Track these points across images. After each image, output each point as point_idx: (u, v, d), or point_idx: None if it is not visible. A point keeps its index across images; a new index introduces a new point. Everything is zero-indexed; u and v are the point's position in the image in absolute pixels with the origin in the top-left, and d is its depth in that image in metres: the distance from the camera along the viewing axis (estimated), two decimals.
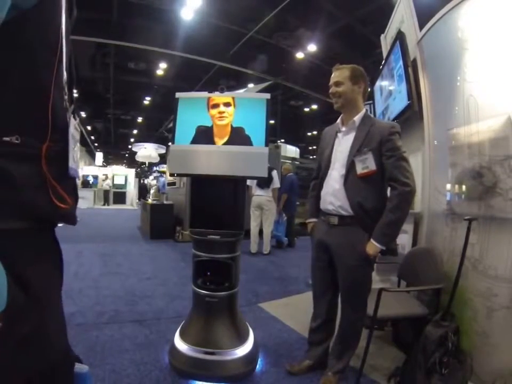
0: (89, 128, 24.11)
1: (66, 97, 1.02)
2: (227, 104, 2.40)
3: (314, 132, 22.12)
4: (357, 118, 2.10)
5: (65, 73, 1.00)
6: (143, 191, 18.70)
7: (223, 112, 2.37)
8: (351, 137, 2.12)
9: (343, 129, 2.17)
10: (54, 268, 0.96)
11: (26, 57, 0.80)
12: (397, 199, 1.93)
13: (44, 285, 0.86)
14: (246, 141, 2.30)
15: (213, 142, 2.34)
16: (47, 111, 0.84)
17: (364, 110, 2.14)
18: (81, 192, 18.57)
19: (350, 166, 2.05)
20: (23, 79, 0.79)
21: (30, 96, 0.81)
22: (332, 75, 2.14)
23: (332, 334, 2.35)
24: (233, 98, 2.41)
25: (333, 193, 2.12)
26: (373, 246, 1.96)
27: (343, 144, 2.15)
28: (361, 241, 2.01)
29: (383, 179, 2.02)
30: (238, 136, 2.32)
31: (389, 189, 2.05)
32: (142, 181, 23.88)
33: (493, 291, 1.96)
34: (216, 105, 2.40)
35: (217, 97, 2.42)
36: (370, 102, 4.42)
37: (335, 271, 2.17)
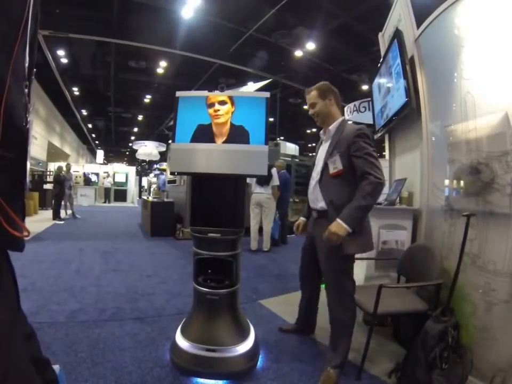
0: (90, 126, 24.18)
1: (27, 90, 0.79)
2: (222, 103, 2.40)
3: (314, 130, 22.08)
4: (332, 127, 2.37)
5: (27, 59, 0.77)
6: None
7: (218, 110, 2.39)
8: (328, 143, 2.37)
9: (323, 137, 2.46)
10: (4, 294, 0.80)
11: None
12: (369, 187, 2.05)
13: None
14: (245, 136, 2.32)
15: (212, 140, 2.35)
16: None
17: (340, 119, 2.38)
18: (83, 190, 18.68)
19: (324, 168, 2.30)
20: None
21: None
22: (306, 99, 2.44)
23: (304, 307, 2.80)
24: (229, 96, 2.42)
25: (313, 191, 2.40)
26: (337, 225, 2.05)
27: (322, 150, 2.42)
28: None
29: (355, 178, 2.16)
30: (237, 133, 2.33)
31: None
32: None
33: (491, 286, 1.97)
34: (212, 104, 2.41)
35: (213, 96, 2.42)
36: (369, 99, 4.44)
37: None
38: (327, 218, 2.21)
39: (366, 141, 2.15)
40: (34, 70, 0.85)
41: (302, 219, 2.68)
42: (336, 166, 2.22)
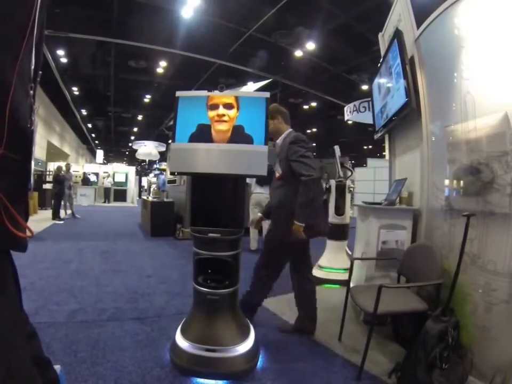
0: (90, 126, 24.17)
1: (32, 92, 0.79)
2: (228, 106, 2.30)
3: (314, 129, 22.12)
4: (279, 140, 2.81)
5: (33, 62, 0.78)
6: None
7: (223, 115, 2.30)
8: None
9: (277, 150, 2.85)
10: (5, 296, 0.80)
11: None
12: (302, 187, 2.48)
13: None
14: (248, 140, 2.28)
15: (210, 141, 2.32)
16: (4, 109, 0.65)
17: (287, 131, 2.80)
18: (83, 190, 18.64)
19: (272, 174, 2.78)
20: None
21: None
22: None
23: (301, 306, 2.93)
24: (236, 98, 2.32)
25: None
26: (295, 225, 2.49)
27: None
28: (275, 223, 2.76)
29: (293, 179, 2.56)
30: (238, 135, 2.30)
31: None
32: None
33: (491, 286, 1.97)
34: (215, 106, 2.32)
35: (217, 96, 2.33)
36: (369, 99, 4.43)
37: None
38: (273, 213, 2.78)
39: (300, 144, 2.58)
40: (40, 72, 0.86)
41: (258, 214, 3.18)
42: (278, 171, 2.72)
